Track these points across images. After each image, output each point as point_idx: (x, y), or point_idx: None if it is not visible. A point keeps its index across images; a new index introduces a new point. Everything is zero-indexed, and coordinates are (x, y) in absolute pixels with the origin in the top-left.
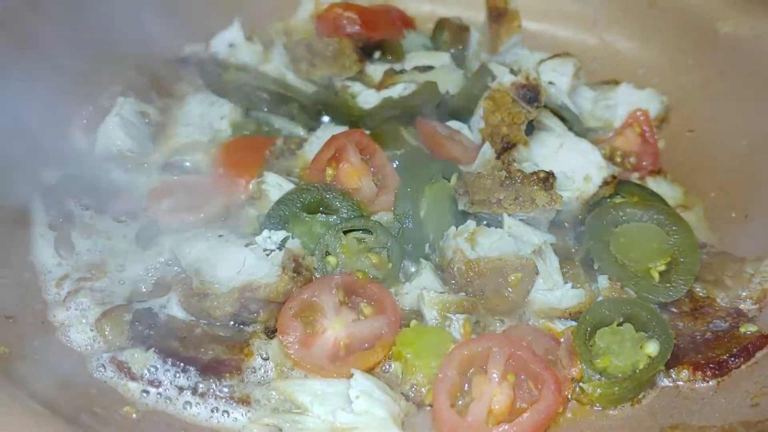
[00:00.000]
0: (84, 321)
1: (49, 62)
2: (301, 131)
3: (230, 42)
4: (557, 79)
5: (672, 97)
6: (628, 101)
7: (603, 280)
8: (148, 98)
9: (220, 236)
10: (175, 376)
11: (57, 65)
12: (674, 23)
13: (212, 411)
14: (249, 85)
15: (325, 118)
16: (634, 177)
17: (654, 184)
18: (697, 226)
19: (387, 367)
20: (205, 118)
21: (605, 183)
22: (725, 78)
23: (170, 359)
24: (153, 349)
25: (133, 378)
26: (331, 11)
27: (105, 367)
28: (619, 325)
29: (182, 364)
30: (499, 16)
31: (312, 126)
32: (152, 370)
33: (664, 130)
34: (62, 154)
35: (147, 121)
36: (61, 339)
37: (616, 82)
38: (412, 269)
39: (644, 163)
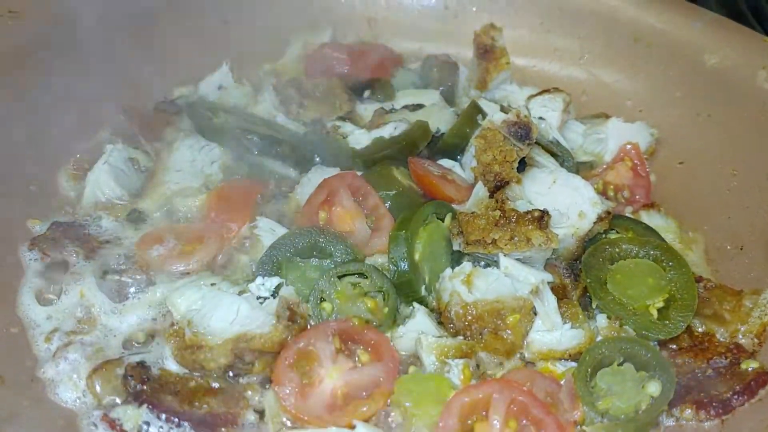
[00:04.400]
0: (74, 377)
1: (34, 109)
2: (292, 173)
3: (219, 84)
4: (547, 114)
5: (661, 129)
6: (618, 135)
7: (602, 319)
8: (138, 144)
9: (212, 285)
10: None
11: (43, 112)
12: (660, 56)
13: None
14: (239, 128)
15: (317, 160)
16: (628, 211)
17: (647, 217)
18: (693, 260)
19: (387, 416)
20: (196, 163)
21: (600, 219)
22: (713, 109)
23: (164, 414)
24: (146, 404)
25: None
26: (320, 51)
27: (96, 425)
28: (620, 365)
29: (176, 419)
30: (486, 52)
31: (303, 168)
32: (145, 426)
33: (655, 163)
34: (50, 203)
35: (136, 167)
36: (51, 397)
37: (606, 116)
38: (407, 311)
39: (637, 197)
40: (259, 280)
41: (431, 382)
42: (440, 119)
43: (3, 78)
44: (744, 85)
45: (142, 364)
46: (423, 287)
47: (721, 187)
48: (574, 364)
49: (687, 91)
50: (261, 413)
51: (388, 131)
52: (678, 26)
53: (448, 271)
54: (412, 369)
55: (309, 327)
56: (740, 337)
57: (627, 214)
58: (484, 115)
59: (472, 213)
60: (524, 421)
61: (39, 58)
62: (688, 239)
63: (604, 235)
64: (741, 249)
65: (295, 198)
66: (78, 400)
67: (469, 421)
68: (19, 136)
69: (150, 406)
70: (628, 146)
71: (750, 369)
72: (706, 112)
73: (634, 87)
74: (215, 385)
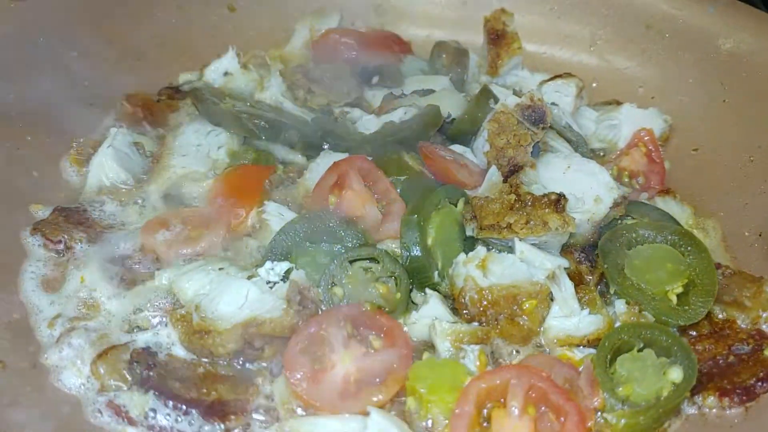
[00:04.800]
0: (78, 363)
1: (37, 94)
2: (300, 159)
3: (225, 70)
4: (560, 99)
5: (674, 115)
6: (631, 121)
7: (620, 305)
8: (142, 129)
9: (220, 269)
10: (176, 419)
11: (46, 97)
12: (673, 42)
13: None
14: (246, 113)
15: (325, 146)
16: (643, 197)
17: (663, 204)
18: (710, 247)
19: (401, 402)
20: (202, 148)
21: (616, 204)
22: (727, 95)
23: (171, 401)
24: (152, 391)
25: (132, 423)
26: (328, 37)
27: (101, 412)
28: (640, 351)
29: (184, 406)
30: (498, 38)
31: (312, 153)
32: (152, 413)
33: (669, 150)
34: (53, 188)
35: (141, 152)
36: (55, 383)
37: (618, 102)
38: (419, 298)
39: (652, 183)
40: (268, 264)
41: (446, 368)
42: (451, 104)
43: (5, 62)
44: (759, 69)
45: (148, 350)
46: (436, 273)
47: (737, 173)
48: (592, 350)
49: (701, 77)
50: (272, 400)
51: (398, 116)
52: (691, 11)
53: (462, 256)
54: (426, 355)
55: (320, 312)
56: (762, 323)
57: (642, 200)
58: (496, 100)
59: (486, 197)
60: (543, 408)
61: (44, 43)
62: (706, 225)
63: (620, 221)
64: (760, 235)
65: (304, 183)
66: (82, 387)
67: (486, 408)
68: (20, 121)
69: (156, 393)
70: (642, 132)
71: None
72: (721, 97)
73: (646, 73)
74: (224, 371)
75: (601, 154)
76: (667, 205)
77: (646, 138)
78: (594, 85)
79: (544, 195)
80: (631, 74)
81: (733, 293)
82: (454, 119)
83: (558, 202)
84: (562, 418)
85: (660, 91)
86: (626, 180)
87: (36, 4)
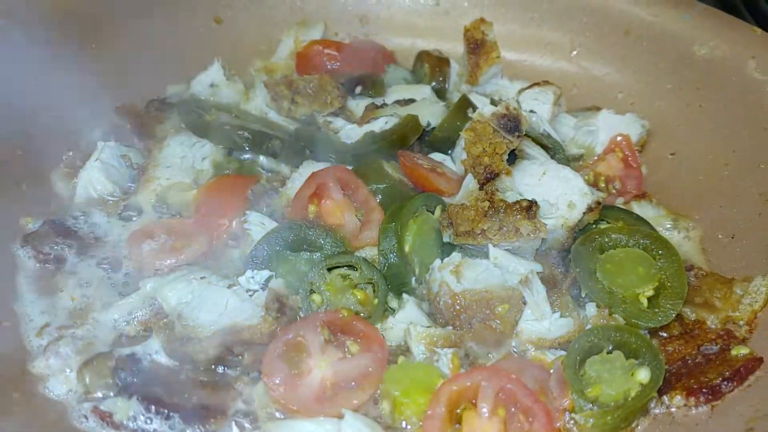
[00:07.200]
0: (66, 370)
1: (26, 108)
2: (284, 169)
3: (211, 82)
4: (538, 107)
5: (652, 121)
6: (609, 127)
7: (591, 308)
8: (129, 141)
9: (202, 278)
10: (159, 424)
11: (34, 110)
12: (651, 48)
13: None
14: (230, 124)
15: (308, 155)
16: (619, 202)
17: (639, 208)
18: (685, 249)
19: (376, 405)
20: (187, 159)
21: (590, 209)
22: (703, 100)
23: (154, 406)
24: (136, 396)
25: (116, 427)
26: (311, 48)
27: (87, 418)
28: (609, 352)
29: (166, 411)
30: (477, 47)
31: (295, 163)
32: (135, 418)
33: (646, 155)
34: (42, 201)
35: (128, 164)
36: (42, 390)
37: (597, 109)
38: (395, 304)
39: (628, 188)
40: (248, 273)
41: (420, 371)
42: (431, 113)
43: None
44: (734, 75)
45: (132, 357)
46: (413, 279)
47: (712, 177)
48: (563, 352)
49: (677, 83)
50: (250, 404)
51: (379, 125)
52: (668, 18)
53: (438, 262)
54: (401, 359)
55: (298, 319)
56: (731, 324)
57: (618, 205)
58: (475, 109)
59: (462, 204)
60: (513, 409)
61: (31, 58)
62: (683, 229)
63: (594, 226)
64: (732, 238)
65: (286, 193)
66: (69, 393)
67: (458, 410)
68: (11, 136)
69: (140, 399)
70: (619, 138)
71: (740, 355)
72: (697, 102)
73: (624, 80)
74: (205, 377)
75: (579, 160)
76: (643, 209)
77: (622, 143)
78: (574, 91)
79: (517, 202)
80: (610, 80)
81: (704, 294)
82: (434, 128)
83: (529, 208)
84: (531, 419)
85: (638, 96)
86: (603, 185)
87: (23, 19)
